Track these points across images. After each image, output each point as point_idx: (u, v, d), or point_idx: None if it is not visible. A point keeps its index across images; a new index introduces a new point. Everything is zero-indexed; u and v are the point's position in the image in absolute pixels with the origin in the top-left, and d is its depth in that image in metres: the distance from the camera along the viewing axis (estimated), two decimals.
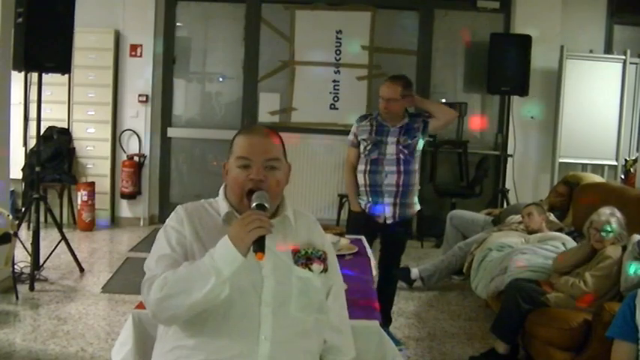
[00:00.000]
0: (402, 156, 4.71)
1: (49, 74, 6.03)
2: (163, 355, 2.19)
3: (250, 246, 2.03)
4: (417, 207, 4.92)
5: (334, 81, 8.50)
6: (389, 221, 4.76)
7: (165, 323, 2.17)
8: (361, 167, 4.80)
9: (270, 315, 2.13)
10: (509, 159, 8.20)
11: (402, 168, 4.71)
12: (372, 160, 4.75)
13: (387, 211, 4.75)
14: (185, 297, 2.02)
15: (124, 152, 8.38)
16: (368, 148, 4.76)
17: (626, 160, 8.06)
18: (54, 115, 8.06)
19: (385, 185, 4.72)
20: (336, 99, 8.51)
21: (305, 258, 2.25)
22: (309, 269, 2.24)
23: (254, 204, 2.14)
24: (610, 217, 4.28)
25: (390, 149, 4.72)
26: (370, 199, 4.77)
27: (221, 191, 2.36)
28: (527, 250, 4.91)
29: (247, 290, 2.12)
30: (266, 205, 2.14)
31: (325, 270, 2.29)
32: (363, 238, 4.40)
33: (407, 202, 4.79)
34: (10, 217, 5.25)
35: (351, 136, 4.89)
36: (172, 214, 2.30)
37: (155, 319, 2.17)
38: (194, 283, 2.02)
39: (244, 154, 2.24)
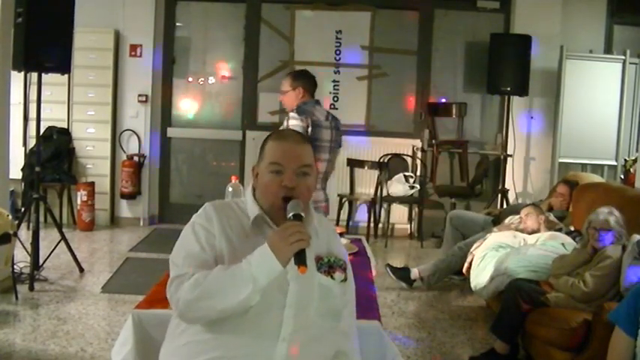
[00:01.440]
0: None
1: (49, 74, 6.02)
2: (176, 350, 2.18)
3: (290, 258, 2.04)
4: None
5: (334, 81, 8.50)
6: None
7: (189, 322, 2.17)
8: None
9: (292, 318, 2.13)
10: (509, 159, 8.20)
11: None
12: None
13: None
14: (218, 301, 2.04)
15: (124, 152, 8.37)
16: None
17: (625, 160, 8.06)
18: (54, 115, 8.05)
19: None
20: (335, 99, 8.51)
21: (327, 266, 2.27)
22: (332, 277, 2.26)
23: (290, 214, 2.14)
24: (608, 216, 4.28)
25: None
26: None
27: (249, 193, 2.35)
28: (527, 250, 4.91)
29: (272, 292, 2.12)
30: (302, 214, 2.14)
31: (345, 279, 2.31)
32: (363, 238, 4.40)
33: None
34: (10, 217, 5.25)
35: None
36: (200, 211, 2.29)
37: (181, 318, 2.16)
38: (229, 289, 2.03)
39: (277, 160, 2.23)
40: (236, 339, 2.10)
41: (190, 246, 2.19)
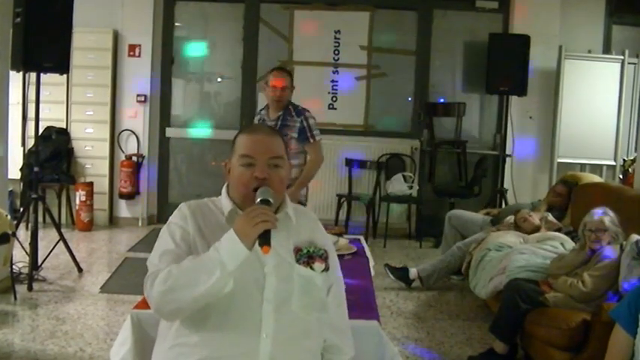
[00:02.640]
0: None
1: (48, 74, 6.02)
2: (164, 352, 2.19)
3: (256, 240, 2.03)
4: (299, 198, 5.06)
5: (333, 81, 8.50)
6: None
7: (167, 318, 2.17)
8: None
9: (272, 313, 2.13)
10: (508, 159, 8.20)
11: None
12: None
13: None
14: (189, 290, 2.03)
15: (123, 152, 8.37)
16: None
17: (624, 160, 8.06)
18: (52, 115, 8.05)
19: None
20: (334, 99, 8.50)
21: (307, 256, 2.25)
22: (311, 268, 2.24)
23: (258, 199, 2.14)
24: (603, 216, 4.28)
25: None
26: None
27: (224, 190, 2.36)
28: (526, 250, 4.91)
29: (249, 287, 2.13)
30: (270, 200, 2.14)
31: (327, 269, 2.29)
32: (361, 237, 4.41)
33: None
34: (9, 217, 5.25)
35: None
36: (176, 211, 2.30)
37: (158, 314, 2.16)
38: (199, 276, 2.03)
39: (248, 153, 2.24)
40: (220, 338, 2.10)
41: (166, 245, 2.20)
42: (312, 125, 5.03)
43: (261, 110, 5.27)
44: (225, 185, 2.36)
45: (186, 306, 2.06)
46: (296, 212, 2.36)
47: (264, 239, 2.03)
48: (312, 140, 5.02)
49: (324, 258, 2.29)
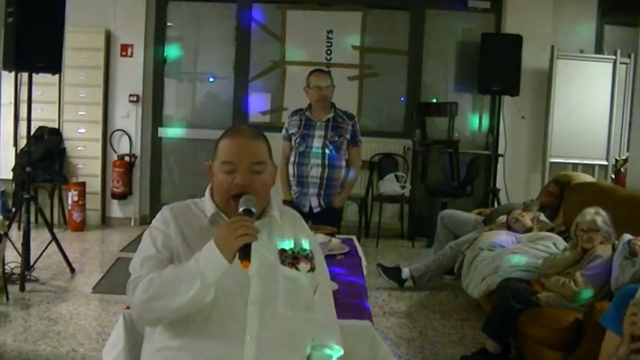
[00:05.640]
0: (327, 150, 5.07)
1: (40, 74, 6.00)
2: (150, 355, 2.19)
3: (236, 253, 2.02)
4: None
5: None
6: (315, 210, 5.12)
7: (150, 324, 2.18)
8: (291, 159, 5.19)
9: (257, 315, 2.12)
10: (500, 159, 8.21)
11: (326, 162, 5.07)
12: (300, 152, 5.13)
13: (311, 201, 5.13)
14: (170, 300, 2.03)
15: (115, 152, 8.35)
16: (297, 141, 5.14)
17: (616, 159, 8.07)
18: (44, 115, 8.02)
19: (310, 177, 5.09)
20: None
21: (292, 257, 2.25)
22: (296, 268, 2.24)
23: (241, 209, 2.13)
24: (595, 216, 4.29)
25: (317, 143, 5.09)
26: (297, 188, 5.16)
27: (207, 191, 2.34)
28: (518, 250, 4.92)
29: (233, 290, 2.12)
30: (253, 209, 2.13)
31: (312, 269, 2.29)
32: (354, 237, 4.41)
33: (331, 192, 5.14)
34: (1, 217, 5.23)
35: (283, 131, 5.29)
36: (158, 215, 2.29)
37: (140, 320, 2.18)
38: (179, 286, 2.02)
39: (229, 159, 2.22)
40: (203, 343, 2.09)
41: (147, 250, 2.19)
42: (358, 130, 5.27)
43: (302, 110, 5.25)
44: (209, 187, 2.34)
45: (168, 314, 2.07)
46: (281, 212, 2.36)
47: (244, 253, 2.02)
48: (359, 145, 5.30)
49: (310, 258, 2.29)
